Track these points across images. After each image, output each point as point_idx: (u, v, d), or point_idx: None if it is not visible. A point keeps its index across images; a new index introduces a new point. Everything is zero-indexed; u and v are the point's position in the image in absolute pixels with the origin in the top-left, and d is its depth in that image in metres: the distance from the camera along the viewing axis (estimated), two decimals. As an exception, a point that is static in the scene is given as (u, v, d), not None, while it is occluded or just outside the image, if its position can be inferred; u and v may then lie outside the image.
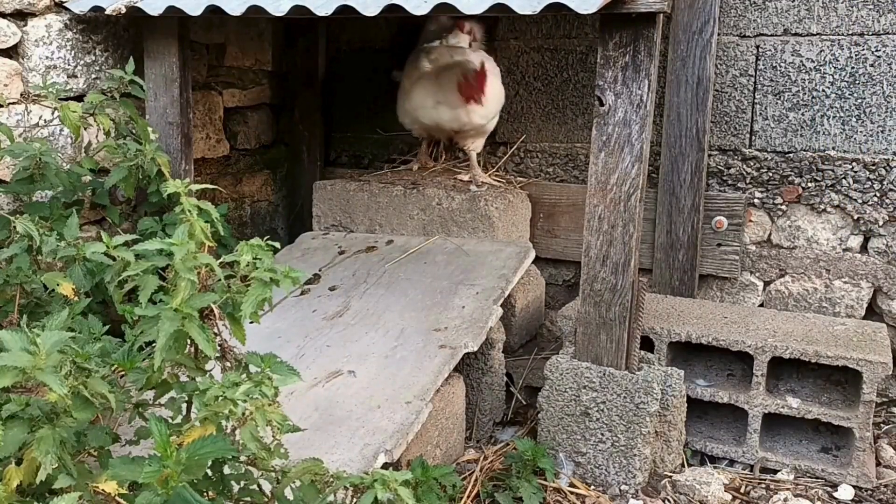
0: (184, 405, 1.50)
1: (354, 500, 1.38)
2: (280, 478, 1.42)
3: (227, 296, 1.47)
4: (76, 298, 2.19)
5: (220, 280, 1.49)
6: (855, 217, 3.31)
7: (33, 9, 2.82)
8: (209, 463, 1.34)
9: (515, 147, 3.90)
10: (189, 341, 1.43)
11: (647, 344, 2.96)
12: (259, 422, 1.35)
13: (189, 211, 1.41)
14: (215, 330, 1.47)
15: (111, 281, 1.58)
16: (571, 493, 2.64)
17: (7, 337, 1.34)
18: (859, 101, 3.25)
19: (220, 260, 1.52)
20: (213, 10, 2.71)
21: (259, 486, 1.48)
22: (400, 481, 1.34)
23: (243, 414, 1.34)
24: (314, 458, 1.45)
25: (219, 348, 1.49)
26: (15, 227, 2.24)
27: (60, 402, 1.36)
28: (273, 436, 1.46)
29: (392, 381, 2.60)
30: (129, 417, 1.58)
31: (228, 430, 1.38)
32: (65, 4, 2.91)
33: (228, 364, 1.51)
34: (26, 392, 1.42)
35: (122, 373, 1.58)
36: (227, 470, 1.43)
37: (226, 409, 1.32)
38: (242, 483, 1.44)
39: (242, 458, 1.45)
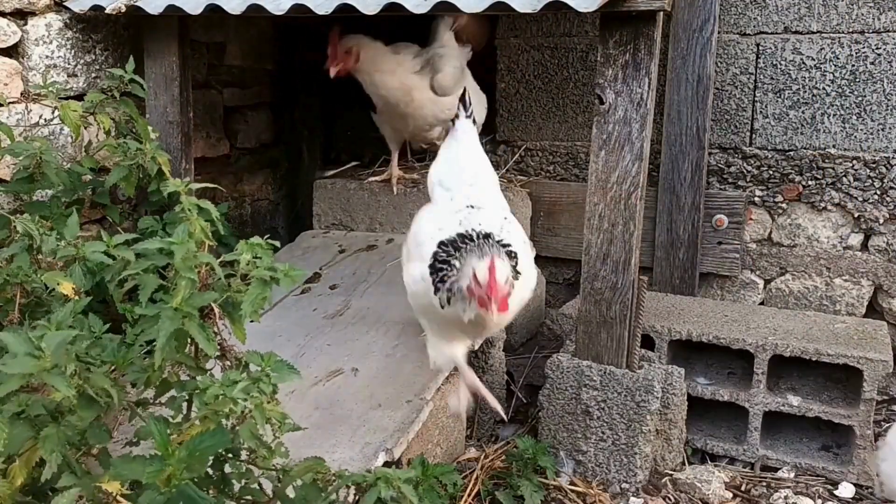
0: (184, 404, 1.50)
1: (357, 498, 1.38)
2: (281, 476, 1.42)
3: (227, 295, 1.46)
4: (76, 297, 2.19)
5: (220, 279, 1.49)
6: (855, 215, 3.31)
7: (33, 8, 2.82)
8: (210, 460, 1.34)
9: (515, 147, 3.90)
10: (189, 340, 1.43)
11: (647, 342, 2.96)
12: (258, 419, 1.34)
13: (189, 210, 1.40)
14: (215, 329, 1.46)
15: (111, 280, 1.57)
16: (572, 491, 2.64)
17: (11, 340, 1.33)
18: (860, 98, 3.25)
19: (221, 259, 1.52)
20: (213, 9, 2.71)
21: (260, 484, 1.48)
22: (403, 479, 1.34)
23: (242, 412, 1.34)
24: (316, 456, 1.44)
25: (219, 347, 1.49)
26: (15, 226, 2.24)
27: (66, 401, 1.35)
28: (273, 434, 1.46)
29: (393, 380, 2.60)
30: (129, 416, 1.57)
31: (228, 429, 1.38)
32: (65, 3, 2.91)
33: (228, 363, 1.51)
34: (31, 391, 1.42)
35: (122, 372, 1.58)
36: (228, 469, 1.43)
37: (226, 407, 1.32)
38: (243, 482, 1.44)
39: (243, 457, 1.45)
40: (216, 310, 1.45)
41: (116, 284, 1.58)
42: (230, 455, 1.42)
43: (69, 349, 1.40)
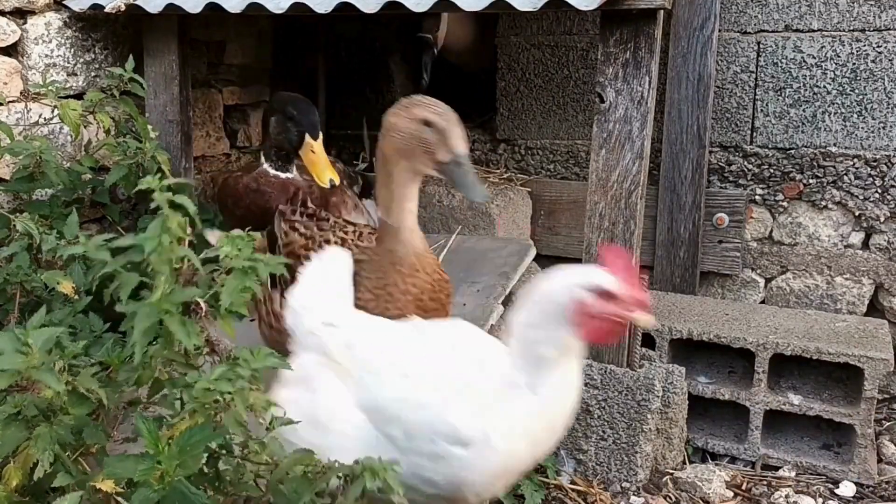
0: (177, 402, 1.50)
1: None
2: (273, 470, 1.42)
3: (214, 290, 1.45)
4: (76, 297, 2.19)
5: (202, 274, 1.48)
6: (856, 213, 3.30)
7: (33, 7, 2.81)
8: (204, 456, 1.34)
9: (516, 145, 3.89)
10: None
11: (648, 341, 2.96)
12: (239, 404, 1.33)
13: (163, 205, 1.39)
14: (202, 325, 1.45)
15: (94, 280, 1.56)
16: (573, 490, 2.64)
17: None
18: (860, 97, 3.24)
19: (203, 254, 1.51)
20: (213, 8, 2.71)
21: (254, 479, 1.48)
22: (389, 470, 1.34)
23: (225, 400, 1.33)
24: (305, 449, 1.44)
25: (206, 343, 1.48)
26: (15, 225, 2.24)
27: (57, 399, 1.35)
28: (266, 428, 1.46)
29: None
30: (126, 415, 1.57)
31: (218, 422, 1.38)
32: (64, 2, 2.91)
33: (218, 358, 1.50)
34: (22, 390, 1.42)
35: (118, 371, 1.57)
36: (222, 465, 1.43)
37: (212, 398, 1.31)
38: (238, 477, 1.44)
39: (237, 453, 1.45)
40: (203, 305, 1.44)
41: (101, 283, 1.56)
42: (224, 451, 1.42)
43: (61, 346, 1.40)
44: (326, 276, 2.04)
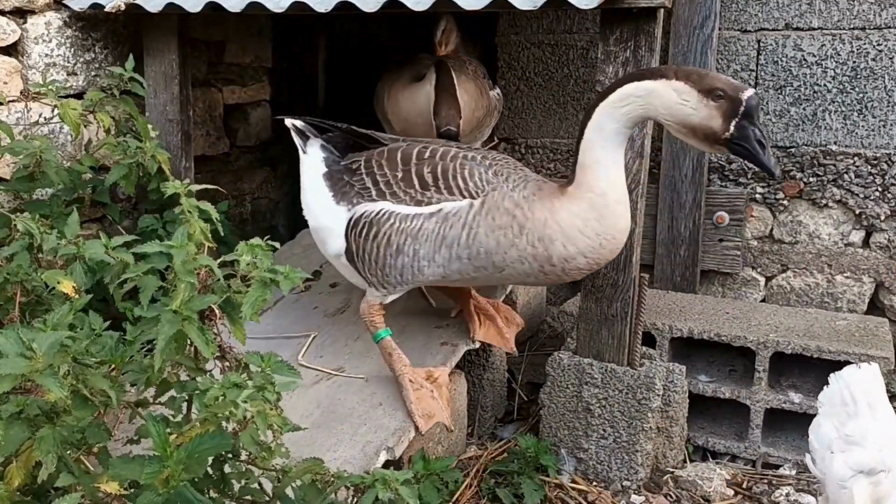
0: (184, 404, 1.50)
1: (355, 499, 1.38)
2: (281, 477, 1.42)
3: (226, 296, 1.46)
4: (76, 296, 2.19)
5: (219, 280, 1.49)
6: (857, 212, 3.30)
7: (33, 6, 2.81)
8: (210, 461, 1.34)
9: (516, 144, 3.89)
10: (189, 341, 1.43)
11: (648, 340, 2.96)
12: (260, 425, 1.34)
13: (189, 212, 1.40)
14: (215, 330, 1.46)
15: (111, 281, 1.57)
16: (573, 488, 2.64)
17: (2, 341, 1.33)
18: (861, 95, 3.24)
19: (220, 259, 1.52)
20: (213, 7, 2.71)
21: (260, 484, 1.48)
22: (401, 481, 1.33)
23: (244, 417, 1.34)
24: (315, 457, 1.44)
25: (218, 348, 1.49)
26: (15, 225, 2.24)
27: (60, 401, 1.35)
28: (273, 437, 1.46)
29: (394, 379, 2.59)
30: (129, 416, 1.57)
31: (229, 432, 1.38)
32: (64, 2, 2.90)
33: (228, 364, 1.51)
34: (25, 392, 1.42)
35: (122, 371, 1.57)
36: (227, 469, 1.43)
37: (226, 410, 1.32)
38: (243, 482, 1.44)
39: (243, 457, 1.45)
40: (217, 312, 1.45)
41: (116, 285, 1.58)
42: (230, 455, 1.42)
43: (66, 349, 1.40)
44: (864, 398, 1.63)
